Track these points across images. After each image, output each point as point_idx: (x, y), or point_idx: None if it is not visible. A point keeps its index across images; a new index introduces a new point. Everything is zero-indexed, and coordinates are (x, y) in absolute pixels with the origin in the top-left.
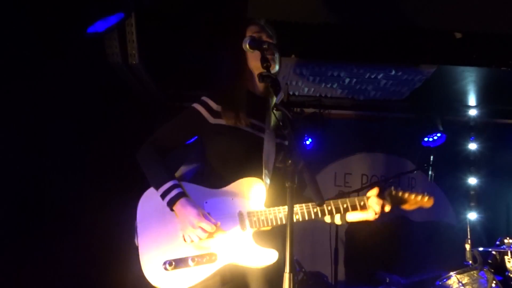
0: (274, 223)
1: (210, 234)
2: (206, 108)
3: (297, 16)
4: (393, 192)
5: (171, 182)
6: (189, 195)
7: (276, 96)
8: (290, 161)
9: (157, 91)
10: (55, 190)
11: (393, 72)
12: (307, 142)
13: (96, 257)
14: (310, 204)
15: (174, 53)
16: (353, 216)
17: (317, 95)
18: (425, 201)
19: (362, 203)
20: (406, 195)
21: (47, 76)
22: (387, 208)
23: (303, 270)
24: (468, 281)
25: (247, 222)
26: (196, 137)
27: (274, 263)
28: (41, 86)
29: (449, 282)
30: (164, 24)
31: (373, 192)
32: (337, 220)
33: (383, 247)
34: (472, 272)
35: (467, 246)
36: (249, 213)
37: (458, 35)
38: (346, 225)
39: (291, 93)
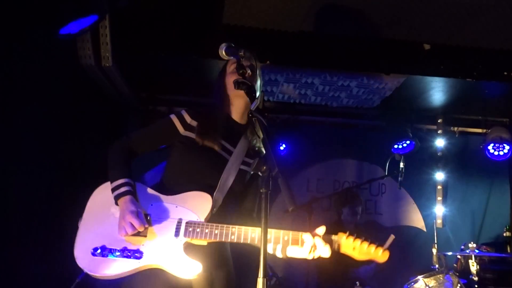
0: (208, 238)
1: (141, 233)
2: (180, 120)
3: (273, 24)
4: (344, 237)
5: (124, 180)
6: (139, 195)
7: (251, 103)
8: (265, 168)
9: (130, 94)
10: (22, 191)
11: (365, 81)
12: (281, 148)
13: (64, 257)
14: (249, 228)
15: (148, 56)
16: (293, 253)
17: (291, 101)
18: (379, 255)
19: (304, 240)
20: (358, 242)
21: (16, 75)
22: (325, 253)
23: (276, 275)
24: (435, 284)
25: (182, 230)
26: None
27: (199, 278)
28: (11, 85)
29: (416, 285)
30: (139, 27)
31: (321, 231)
32: (278, 252)
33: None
34: (438, 276)
35: (434, 251)
36: (187, 223)
37: (427, 47)
38: None
39: (265, 99)
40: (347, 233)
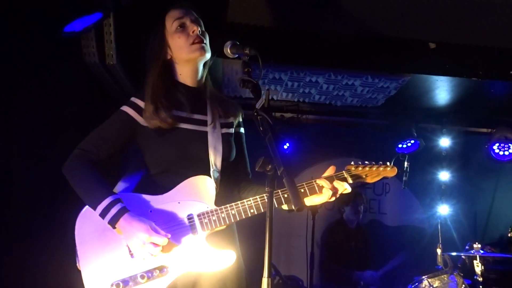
0: (228, 222)
1: (162, 248)
2: (135, 109)
3: (277, 22)
4: (353, 168)
5: (110, 198)
6: (132, 207)
7: (257, 101)
8: (270, 166)
9: (134, 93)
10: (25, 192)
11: (370, 79)
12: (285, 147)
13: (65, 259)
14: (264, 195)
15: None
16: (312, 201)
17: (295, 100)
18: (389, 170)
19: (320, 185)
20: (367, 168)
21: (20, 73)
22: (347, 189)
23: (279, 274)
24: (439, 284)
25: (197, 225)
26: (131, 142)
27: (231, 265)
28: (14, 83)
29: (421, 286)
30: (143, 24)
31: (330, 171)
32: None
33: (357, 252)
34: (442, 276)
35: (438, 251)
36: (199, 215)
37: (432, 46)
38: (321, 228)
39: (269, 97)
40: (352, 163)
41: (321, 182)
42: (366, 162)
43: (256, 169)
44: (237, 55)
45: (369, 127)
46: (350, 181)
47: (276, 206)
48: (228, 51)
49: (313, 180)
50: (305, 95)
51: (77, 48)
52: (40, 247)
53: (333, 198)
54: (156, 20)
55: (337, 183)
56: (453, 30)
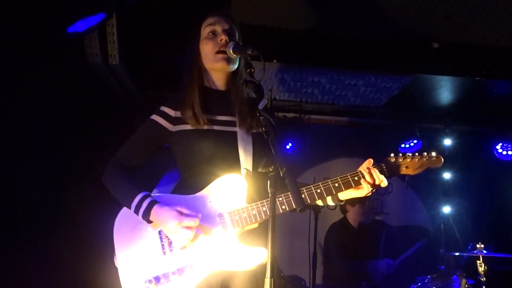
0: (259, 219)
1: (187, 244)
2: (164, 117)
3: (280, 22)
4: (392, 160)
5: (140, 195)
6: (165, 205)
7: (259, 102)
8: (273, 167)
9: (136, 93)
10: (29, 191)
11: (372, 80)
12: (287, 147)
13: (70, 260)
14: None
15: (155, 54)
16: (346, 195)
17: (298, 100)
18: (434, 160)
19: (356, 178)
20: (408, 160)
21: (24, 74)
22: (384, 182)
23: (281, 274)
24: (442, 284)
25: (228, 222)
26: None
27: (264, 263)
28: (19, 83)
29: (424, 286)
30: (146, 25)
31: (367, 164)
32: (330, 201)
33: (360, 251)
34: (445, 276)
35: (441, 251)
36: (230, 213)
37: (435, 45)
38: (323, 228)
39: (272, 97)
40: (392, 155)
41: (357, 176)
42: (407, 153)
43: (259, 170)
44: (239, 56)
45: (372, 127)
46: (388, 173)
47: (309, 202)
48: (231, 51)
49: (347, 175)
50: (308, 95)
51: (80, 48)
52: (44, 246)
53: (369, 193)
54: (158, 21)
55: (373, 177)
56: (456, 29)
